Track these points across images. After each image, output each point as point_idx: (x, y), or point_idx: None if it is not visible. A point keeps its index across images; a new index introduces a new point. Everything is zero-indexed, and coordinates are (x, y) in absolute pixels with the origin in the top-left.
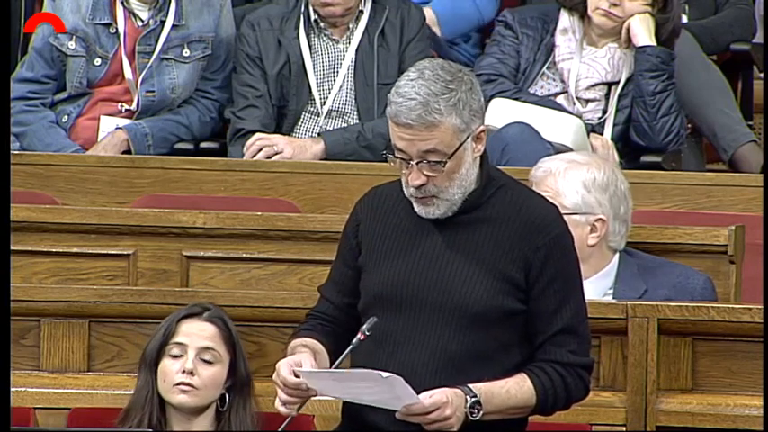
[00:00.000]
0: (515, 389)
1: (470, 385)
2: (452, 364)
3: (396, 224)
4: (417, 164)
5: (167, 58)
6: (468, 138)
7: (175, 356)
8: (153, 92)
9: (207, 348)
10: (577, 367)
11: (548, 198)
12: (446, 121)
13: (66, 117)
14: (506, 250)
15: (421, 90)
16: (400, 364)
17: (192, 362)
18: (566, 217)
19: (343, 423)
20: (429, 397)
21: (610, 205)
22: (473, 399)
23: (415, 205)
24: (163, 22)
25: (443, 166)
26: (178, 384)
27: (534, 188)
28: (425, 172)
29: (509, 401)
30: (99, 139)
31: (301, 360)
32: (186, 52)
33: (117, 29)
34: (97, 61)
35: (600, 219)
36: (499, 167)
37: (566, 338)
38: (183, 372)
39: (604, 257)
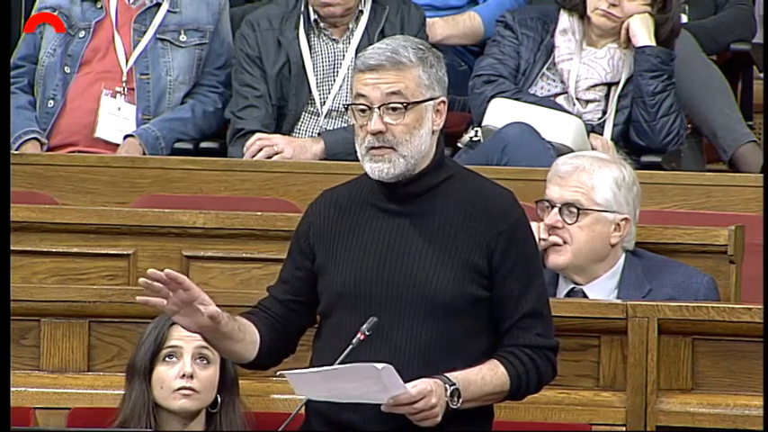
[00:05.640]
0: (490, 375)
1: (447, 374)
2: (423, 355)
3: (352, 223)
4: (379, 108)
5: (163, 39)
6: (430, 100)
7: (171, 362)
8: (147, 74)
9: (202, 348)
10: (545, 349)
11: (579, 193)
12: (414, 68)
13: (51, 102)
14: (467, 238)
15: (391, 43)
16: (372, 358)
17: (191, 365)
18: (593, 213)
19: (308, 422)
20: (413, 387)
21: (633, 205)
22: (452, 387)
23: (367, 165)
24: (159, 5)
25: (404, 111)
26: (179, 390)
27: (553, 184)
28: (386, 119)
29: (485, 388)
30: (99, 114)
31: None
32: (183, 37)
33: (103, 3)
34: (81, 33)
35: (625, 218)
36: (498, 167)
37: (532, 322)
38: (183, 376)
39: (617, 257)
